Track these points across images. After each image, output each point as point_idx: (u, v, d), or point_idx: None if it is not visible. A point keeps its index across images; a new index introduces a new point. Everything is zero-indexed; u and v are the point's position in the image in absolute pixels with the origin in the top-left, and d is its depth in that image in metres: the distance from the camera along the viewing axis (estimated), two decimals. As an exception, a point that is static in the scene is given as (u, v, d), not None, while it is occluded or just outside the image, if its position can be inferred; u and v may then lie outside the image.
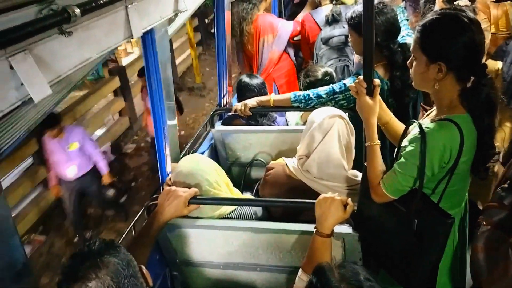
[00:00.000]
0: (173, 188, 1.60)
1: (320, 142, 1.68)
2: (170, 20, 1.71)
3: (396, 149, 1.46)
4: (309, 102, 2.21)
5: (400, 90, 2.04)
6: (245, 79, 2.61)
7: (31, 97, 0.95)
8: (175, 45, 7.51)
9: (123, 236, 1.68)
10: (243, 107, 2.35)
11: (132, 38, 1.35)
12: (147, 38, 1.58)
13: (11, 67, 0.90)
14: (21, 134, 1.03)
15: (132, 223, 1.73)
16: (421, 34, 1.37)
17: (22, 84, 0.93)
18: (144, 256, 1.46)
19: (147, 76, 1.67)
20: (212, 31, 8.25)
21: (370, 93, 1.44)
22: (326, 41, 3.01)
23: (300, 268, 1.40)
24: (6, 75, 0.90)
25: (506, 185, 1.62)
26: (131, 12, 1.31)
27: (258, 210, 1.80)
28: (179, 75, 7.35)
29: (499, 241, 1.56)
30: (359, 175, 1.74)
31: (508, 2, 2.96)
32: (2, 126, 0.99)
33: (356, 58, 2.88)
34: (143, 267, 1.09)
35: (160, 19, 1.54)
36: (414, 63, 1.41)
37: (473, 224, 1.70)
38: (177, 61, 7.59)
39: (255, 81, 2.58)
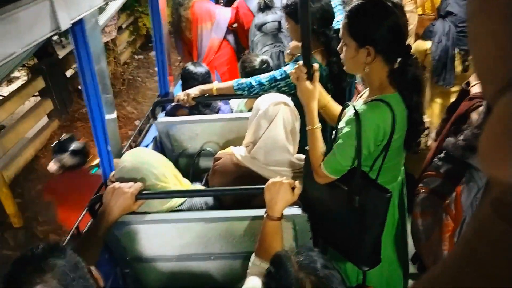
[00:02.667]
0: (117, 184, 1.54)
1: (266, 130, 1.70)
2: (101, 10, 1.62)
3: (334, 131, 1.51)
4: (251, 90, 2.22)
5: (338, 75, 2.10)
6: (190, 67, 2.57)
7: None
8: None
9: (67, 238, 1.60)
10: (186, 97, 2.31)
11: (60, 30, 1.26)
12: (77, 30, 1.49)
13: None
14: None
15: (75, 224, 1.65)
16: (349, 20, 1.42)
17: None
18: (93, 258, 1.40)
19: (80, 70, 1.58)
20: (79, 87, 4.86)
21: (310, 78, 1.47)
22: (260, 28, 3.03)
23: (253, 253, 1.42)
24: None
25: (442, 155, 1.74)
26: (57, 3, 1.22)
27: (209, 199, 1.80)
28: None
29: (435, 206, 1.68)
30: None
31: (433, -15, 3.13)
32: None
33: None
34: (93, 268, 1.06)
35: (89, 8, 1.45)
36: (344, 48, 1.46)
37: (412, 195, 1.82)
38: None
39: (199, 70, 2.55)
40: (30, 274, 0.91)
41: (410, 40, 2.93)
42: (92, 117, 1.67)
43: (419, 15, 3.06)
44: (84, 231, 1.58)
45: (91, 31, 1.54)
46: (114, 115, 1.84)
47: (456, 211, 1.55)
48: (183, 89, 2.46)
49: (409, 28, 2.86)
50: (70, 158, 2.45)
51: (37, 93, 4.74)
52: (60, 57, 5.27)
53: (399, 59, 1.42)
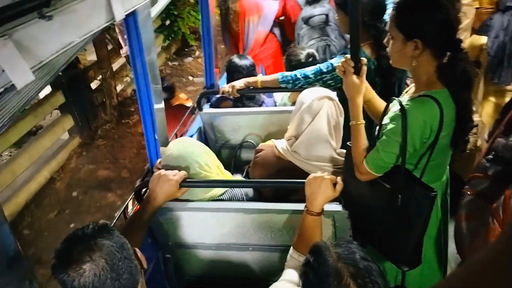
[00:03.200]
0: (163, 172, 1.60)
1: (309, 124, 1.69)
2: (153, 2, 1.68)
3: (378, 127, 1.48)
4: (296, 82, 2.20)
5: (387, 69, 2.05)
6: (235, 59, 2.60)
7: (13, 84, 0.93)
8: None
9: (114, 221, 1.68)
10: (230, 89, 2.34)
11: (115, 21, 1.32)
12: (130, 21, 1.55)
13: (-9, 54, 0.88)
14: (5, 121, 1.01)
15: (122, 209, 1.73)
16: (397, 12, 1.38)
17: (3, 70, 0.91)
18: (138, 240, 1.47)
19: (132, 60, 1.65)
20: (104, 100, 4.62)
21: (357, 72, 1.45)
22: (306, 21, 2.99)
23: (291, 246, 1.42)
24: (-14, 62, 0.88)
25: (491, 156, 1.66)
26: (113, -5, 1.28)
27: (249, 191, 1.82)
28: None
29: (481, 209, 1.60)
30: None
31: (491, -22, 2.96)
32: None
33: None
34: (137, 249, 1.10)
35: (142, 0, 1.50)
36: (391, 41, 1.43)
37: (458, 196, 1.74)
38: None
39: (244, 62, 2.57)
40: (80, 252, 0.97)
41: (466, 35, 2.79)
42: (141, 106, 1.74)
43: (476, 8, 2.91)
44: (130, 215, 1.66)
45: (143, 23, 1.59)
46: (162, 105, 1.90)
47: (504, 216, 1.46)
48: (228, 82, 2.49)
49: (465, 22, 2.75)
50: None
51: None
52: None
53: (448, 53, 1.36)
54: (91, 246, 0.98)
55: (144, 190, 1.66)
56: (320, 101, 1.69)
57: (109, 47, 4.76)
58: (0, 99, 0.97)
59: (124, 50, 4.14)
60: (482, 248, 0.35)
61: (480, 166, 1.70)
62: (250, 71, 2.56)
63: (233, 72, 2.55)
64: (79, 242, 0.99)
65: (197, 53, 6.79)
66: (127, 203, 1.76)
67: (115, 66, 4.96)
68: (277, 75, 2.26)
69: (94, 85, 4.80)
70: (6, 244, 1.02)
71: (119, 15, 1.33)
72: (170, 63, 6.44)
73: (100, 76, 4.68)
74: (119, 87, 5.07)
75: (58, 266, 0.98)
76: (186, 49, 6.86)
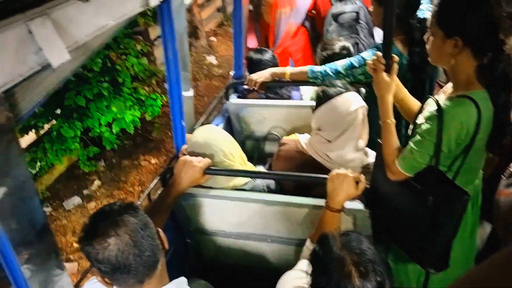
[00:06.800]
0: (188, 158, 1.63)
1: (343, 134, 1.66)
2: (187, -11, 1.69)
3: (412, 126, 1.44)
4: (326, 78, 2.17)
5: (419, 66, 2.00)
6: (256, 56, 2.55)
7: (49, 63, 0.96)
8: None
9: (139, 203, 1.72)
10: (257, 80, 2.33)
11: (149, 7, 1.33)
12: (164, 8, 1.56)
13: (30, 32, 0.91)
14: (40, 99, 1.04)
15: (147, 192, 1.76)
16: (438, 9, 1.35)
17: (40, 49, 0.94)
18: (160, 223, 1.50)
19: (164, 46, 1.67)
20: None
21: (388, 69, 1.42)
22: (336, 17, 2.95)
23: (308, 238, 1.42)
24: (25, 40, 0.91)
25: None
26: (149, -20, 1.29)
27: (271, 183, 1.82)
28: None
29: None
30: (370, 153, 1.74)
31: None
32: (22, 91, 1.01)
33: None
34: (160, 230, 1.13)
35: (177, -13, 1.52)
36: (431, 38, 1.39)
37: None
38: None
39: (267, 56, 2.54)
40: (106, 227, 1.01)
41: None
42: (171, 92, 1.77)
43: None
44: (155, 198, 1.69)
45: (177, 10, 1.61)
46: (190, 93, 1.92)
47: None
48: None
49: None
50: None
51: None
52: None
53: (489, 54, 1.31)
54: (117, 222, 1.02)
55: (169, 175, 1.69)
56: (355, 112, 1.66)
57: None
58: (37, 77, 1.00)
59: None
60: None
61: None
62: (275, 62, 2.53)
63: (260, 67, 2.49)
64: (105, 217, 1.03)
65: (95, 184, 3.71)
66: (152, 186, 1.80)
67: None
68: (307, 69, 2.23)
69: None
70: (36, 217, 1.06)
71: (154, 0, 1.35)
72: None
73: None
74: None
75: (84, 238, 1.02)
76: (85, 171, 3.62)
